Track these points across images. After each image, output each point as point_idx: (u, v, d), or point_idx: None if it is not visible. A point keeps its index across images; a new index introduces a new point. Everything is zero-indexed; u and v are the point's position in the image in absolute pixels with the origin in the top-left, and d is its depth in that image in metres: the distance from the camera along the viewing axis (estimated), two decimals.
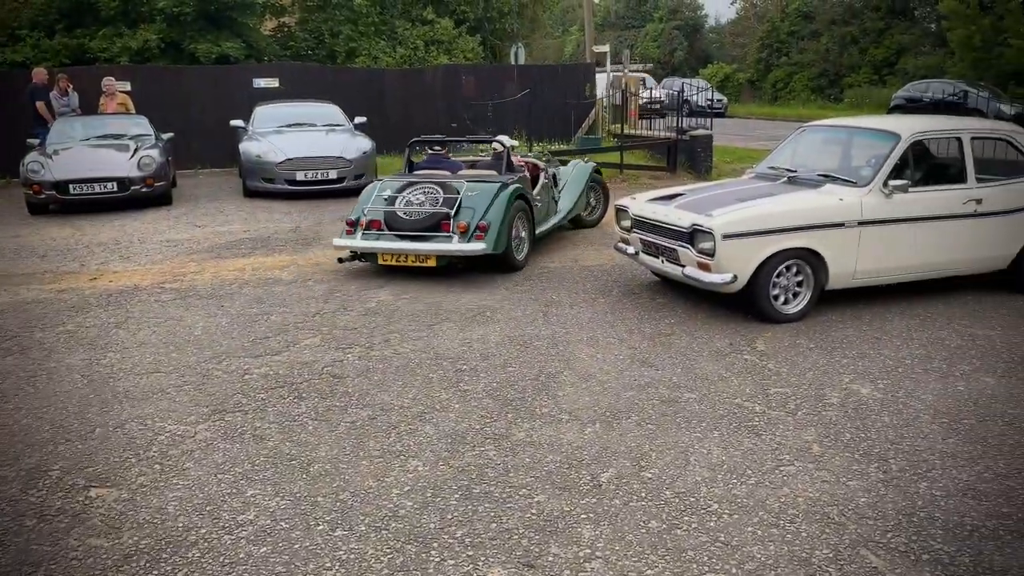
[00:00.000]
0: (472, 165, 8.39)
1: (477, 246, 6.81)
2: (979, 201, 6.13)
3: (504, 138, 8.37)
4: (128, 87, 14.28)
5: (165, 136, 11.95)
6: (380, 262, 7.13)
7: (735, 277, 5.62)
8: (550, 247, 8.28)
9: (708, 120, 14.64)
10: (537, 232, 7.90)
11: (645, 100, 24.63)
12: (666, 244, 6.06)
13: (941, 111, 19.82)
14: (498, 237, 6.91)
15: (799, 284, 5.85)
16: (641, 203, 6.49)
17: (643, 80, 29.92)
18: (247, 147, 11.86)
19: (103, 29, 18.01)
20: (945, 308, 6.12)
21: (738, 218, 5.64)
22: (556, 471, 3.64)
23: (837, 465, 3.69)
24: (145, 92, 14.52)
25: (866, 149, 6.36)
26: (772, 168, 6.79)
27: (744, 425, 4.12)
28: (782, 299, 5.82)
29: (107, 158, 10.69)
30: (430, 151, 8.34)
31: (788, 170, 6.55)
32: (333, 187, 11.54)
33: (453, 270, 7.20)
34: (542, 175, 8.39)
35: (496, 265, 7.22)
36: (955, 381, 4.70)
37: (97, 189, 10.32)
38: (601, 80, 27.08)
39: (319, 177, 11.48)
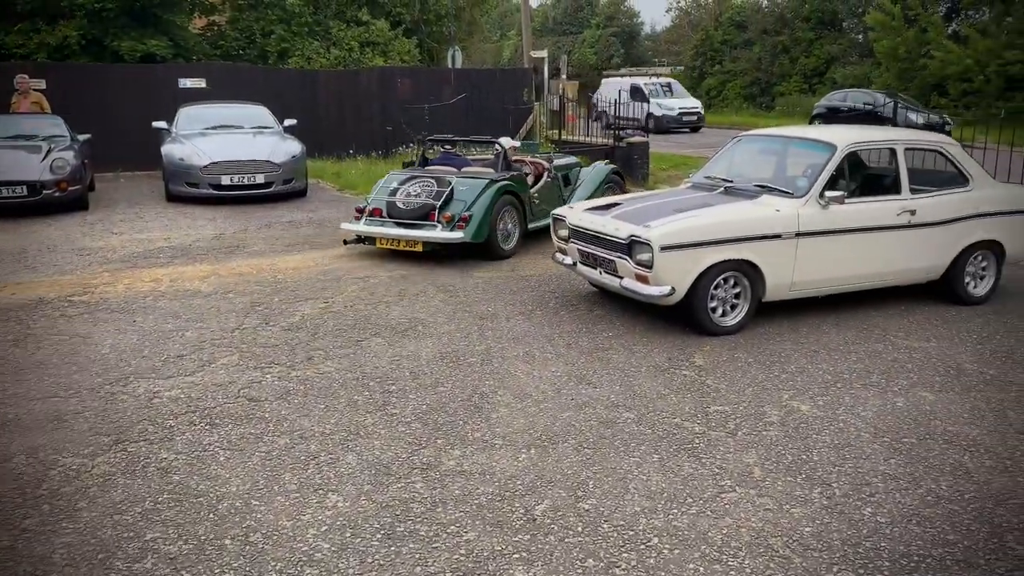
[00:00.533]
0: (487, 164, 8.91)
1: (457, 235, 7.56)
2: (913, 212, 6.13)
3: (505, 140, 8.80)
4: (43, 85, 13.57)
5: (82, 137, 11.34)
6: (378, 246, 7.99)
7: (673, 289, 5.48)
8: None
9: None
10: (530, 226, 8.49)
11: (682, 111, 23.39)
12: (604, 255, 5.89)
13: (858, 119, 20.36)
14: (478, 228, 7.64)
15: (737, 296, 5.75)
16: (578, 213, 6.32)
17: (668, 85, 29.03)
18: (170, 150, 11.32)
19: (20, 24, 17.16)
20: (881, 320, 6.09)
21: (676, 229, 5.50)
22: (488, 504, 3.40)
23: (779, 490, 3.55)
24: (62, 91, 13.85)
25: (802, 159, 6.30)
26: (708, 178, 6.68)
27: (684, 447, 3.95)
28: (720, 311, 5.71)
29: (17, 160, 10.03)
30: (443, 149, 9.34)
31: (725, 180, 6.46)
32: (260, 192, 11.12)
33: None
34: (545, 174, 8.99)
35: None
36: (894, 396, 4.63)
37: (4, 193, 9.68)
38: (612, 84, 26.59)
39: (246, 181, 11.01)
